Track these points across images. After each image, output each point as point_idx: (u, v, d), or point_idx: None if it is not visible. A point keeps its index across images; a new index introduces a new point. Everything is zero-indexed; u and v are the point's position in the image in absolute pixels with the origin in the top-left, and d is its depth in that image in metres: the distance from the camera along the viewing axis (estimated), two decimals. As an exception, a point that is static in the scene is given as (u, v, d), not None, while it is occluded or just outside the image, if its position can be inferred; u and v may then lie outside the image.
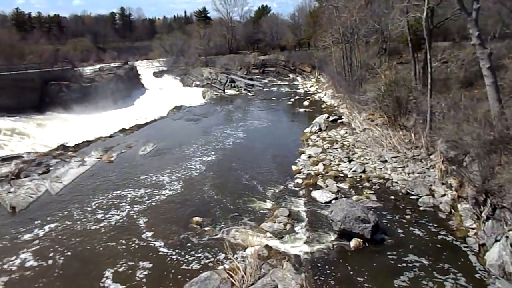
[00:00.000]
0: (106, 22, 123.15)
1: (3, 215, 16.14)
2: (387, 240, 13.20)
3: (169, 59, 79.98)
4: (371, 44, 43.17)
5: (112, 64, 65.79)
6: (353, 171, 19.60)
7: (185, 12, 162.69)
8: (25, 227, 14.82)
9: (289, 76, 65.32)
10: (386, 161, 20.33)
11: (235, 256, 12.24)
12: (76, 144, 26.61)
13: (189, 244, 13.49)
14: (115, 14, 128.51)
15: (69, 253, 13.06)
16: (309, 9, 76.69)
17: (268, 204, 16.59)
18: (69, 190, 18.66)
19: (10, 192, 18.12)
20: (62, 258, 12.81)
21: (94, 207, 16.58)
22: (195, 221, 15.00)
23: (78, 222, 15.23)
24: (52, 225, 14.97)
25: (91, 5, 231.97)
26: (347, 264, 12.09)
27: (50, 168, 21.49)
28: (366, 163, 20.49)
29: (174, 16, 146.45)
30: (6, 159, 23.61)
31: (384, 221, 14.45)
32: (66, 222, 15.22)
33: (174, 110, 40.52)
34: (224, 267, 11.72)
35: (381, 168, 19.65)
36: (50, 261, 12.61)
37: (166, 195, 17.82)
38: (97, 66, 62.16)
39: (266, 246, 13.01)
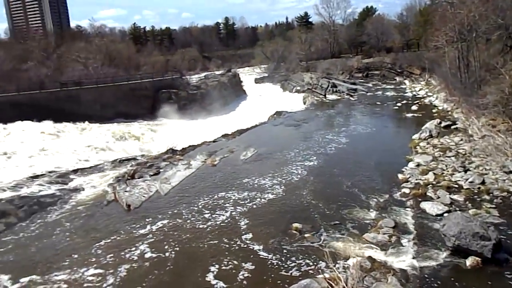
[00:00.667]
0: (211, 32, 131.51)
1: (120, 212, 18.01)
2: (511, 261, 11.87)
3: (270, 66, 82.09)
4: (493, 41, 39.16)
5: (216, 72, 69.93)
6: (470, 182, 17.98)
7: (286, 18, 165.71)
8: (139, 223, 16.42)
9: (395, 80, 62.34)
10: (511, 172, 18.28)
11: (336, 266, 12.03)
12: (183, 148, 28.66)
13: (288, 250, 13.69)
14: (219, 24, 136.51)
15: (178, 248, 14.22)
16: (419, 7, 72.51)
17: (372, 214, 16.08)
18: (176, 191, 20.16)
19: (126, 191, 20.05)
20: (173, 252, 13.99)
21: (200, 207, 17.77)
22: (295, 227, 15.16)
23: (187, 221, 16.45)
24: (164, 222, 16.39)
25: (198, 17, 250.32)
26: (461, 284, 11.19)
27: (160, 170, 23.30)
28: (486, 174, 18.66)
29: (276, 23, 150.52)
30: (123, 161, 26.57)
31: (508, 239, 13.02)
32: (177, 220, 16.53)
33: (275, 115, 41.41)
34: (324, 276, 11.59)
35: (504, 180, 17.72)
36: (162, 254, 13.87)
37: (267, 198, 18.35)
38: (203, 74, 66.54)
39: (369, 258, 12.61)
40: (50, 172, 24.46)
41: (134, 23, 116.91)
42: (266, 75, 77.66)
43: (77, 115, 38.63)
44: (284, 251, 13.64)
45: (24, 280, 12.61)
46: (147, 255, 13.85)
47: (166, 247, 14.32)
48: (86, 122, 37.84)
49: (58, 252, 14.48)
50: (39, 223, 17.06)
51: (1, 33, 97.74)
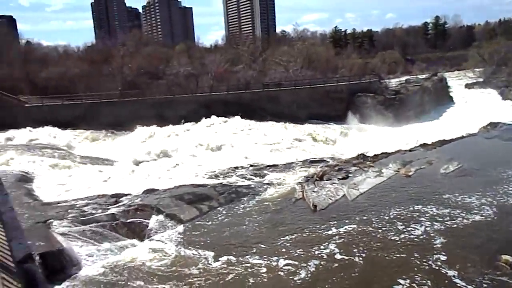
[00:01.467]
0: (417, 32, 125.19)
1: (306, 211, 18.81)
2: None
3: (486, 69, 73.51)
4: None
5: (420, 76, 66.22)
6: None
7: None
8: (325, 224, 16.92)
9: None
10: None
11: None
12: (375, 155, 28.06)
13: (491, 284, 12.11)
14: (428, 24, 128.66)
15: (365, 255, 14.21)
16: None
17: None
18: (364, 198, 19.94)
19: (313, 192, 20.75)
20: (360, 258, 14.06)
21: (391, 217, 17.24)
22: (505, 259, 13.23)
23: (377, 230, 16.19)
24: (352, 226, 16.51)
25: (403, 17, 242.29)
26: None
27: (349, 175, 23.28)
28: None
29: (500, 19, 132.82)
30: (313, 162, 27.79)
31: None
32: (366, 227, 16.44)
33: (488, 127, 36.64)
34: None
35: None
36: (351, 257, 14.08)
37: (471, 220, 16.56)
38: (403, 78, 63.79)
39: None
40: (250, 165, 27.64)
41: (336, 26, 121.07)
42: (481, 80, 69.89)
43: (275, 114, 42.36)
44: (485, 284, 12.10)
45: (223, 259, 14.46)
46: (337, 256, 14.26)
47: (355, 251, 14.46)
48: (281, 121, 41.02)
49: (248, 239, 16.06)
50: (233, 210, 19.22)
51: (219, 39, 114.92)
